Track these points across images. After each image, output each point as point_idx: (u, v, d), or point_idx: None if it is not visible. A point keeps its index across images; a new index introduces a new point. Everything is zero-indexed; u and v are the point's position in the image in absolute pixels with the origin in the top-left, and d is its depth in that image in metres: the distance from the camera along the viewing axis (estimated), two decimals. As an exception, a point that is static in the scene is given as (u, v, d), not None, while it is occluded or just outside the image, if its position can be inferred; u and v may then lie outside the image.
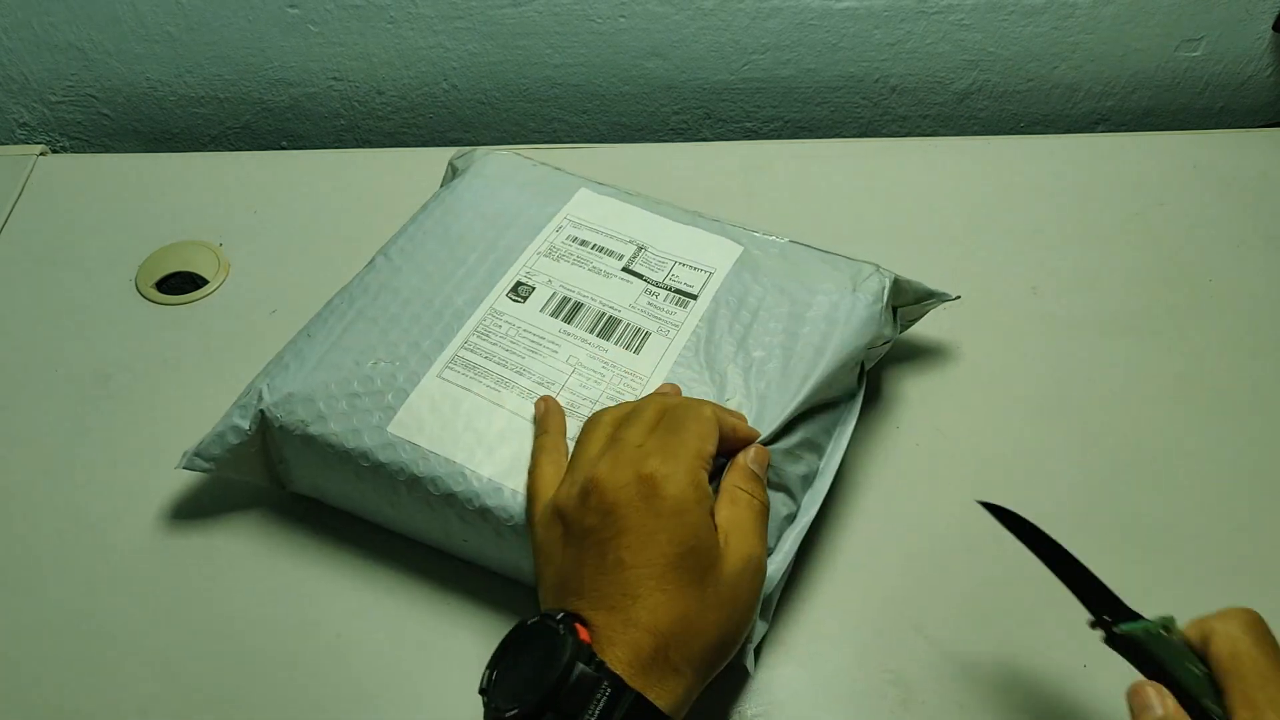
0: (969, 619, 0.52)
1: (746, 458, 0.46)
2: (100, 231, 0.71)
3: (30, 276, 0.68)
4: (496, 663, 0.40)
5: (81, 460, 0.58)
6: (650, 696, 0.38)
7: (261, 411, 0.51)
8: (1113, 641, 0.41)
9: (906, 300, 0.58)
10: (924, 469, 0.57)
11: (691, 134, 0.88)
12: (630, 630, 0.39)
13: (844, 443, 0.53)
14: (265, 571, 0.53)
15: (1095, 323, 0.65)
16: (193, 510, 0.55)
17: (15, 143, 0.85)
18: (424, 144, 0.87)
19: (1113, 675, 0.50)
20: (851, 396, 0.55)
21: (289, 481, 0.54)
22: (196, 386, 0.57)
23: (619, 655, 0.38)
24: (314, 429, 0.50)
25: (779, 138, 0.88)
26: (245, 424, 0.51)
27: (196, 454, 0.52)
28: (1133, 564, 0.54)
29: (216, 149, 0.87)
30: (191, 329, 0.65)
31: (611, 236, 0.59)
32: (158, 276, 0.67)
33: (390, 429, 0.49)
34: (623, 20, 0.79)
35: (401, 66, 0.82)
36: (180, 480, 0.57)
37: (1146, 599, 0.54)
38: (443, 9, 0.78)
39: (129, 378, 0.62)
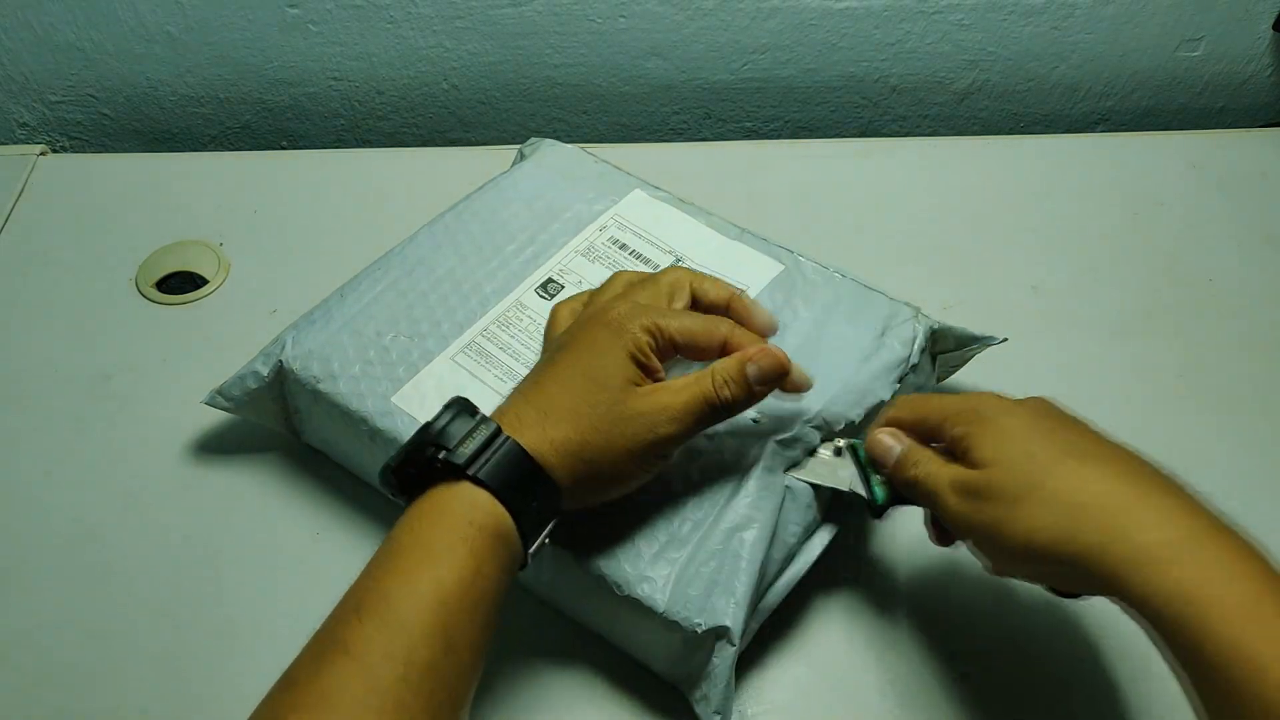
0: (969, 619, 0.52)
1: (748, 355, 0.43)
2: (100, 231, 0.71)
3: (30, 276, 0.68)
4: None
5: (81, 460, 0.58)
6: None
7: (280, 361, 0.53)
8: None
9: (947, 346, 0.56)
10: (924, 469, 0.57)
11: (691, 134, 0.88)
12: (519, 404, 0.42)
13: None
14: (267, 571, 0.53)
15: (1095, 322, 0.65)
16: (192, 512, 0.56)
17: (15, 143, 0.85)
18: (424, 144, 0.87)
19: (1113, 675, 0.50)
20: None
21: (302, 432, 0.57)
22: (196, 386, 0.57)
23: (502, 410, 0.42)
24: (323, 386, 0.52)
25: (779, 138, 0.88)
26: (265, 371, 0.53)
27: (219, 392, 0.54)
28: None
29: (216, 149, 0.87)
30: (191, 329, 0.65)
31: (652, 243, 0.59)
32: (158, 276, 0.67)
33: (394, 399, 0.51)
34: (623, 20, 0.79)
35: (401, 66, 0.82)
36: (179, 482, 0.57)
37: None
38: (443, 9, 0.78)
39: (129, 378, 0.62)
